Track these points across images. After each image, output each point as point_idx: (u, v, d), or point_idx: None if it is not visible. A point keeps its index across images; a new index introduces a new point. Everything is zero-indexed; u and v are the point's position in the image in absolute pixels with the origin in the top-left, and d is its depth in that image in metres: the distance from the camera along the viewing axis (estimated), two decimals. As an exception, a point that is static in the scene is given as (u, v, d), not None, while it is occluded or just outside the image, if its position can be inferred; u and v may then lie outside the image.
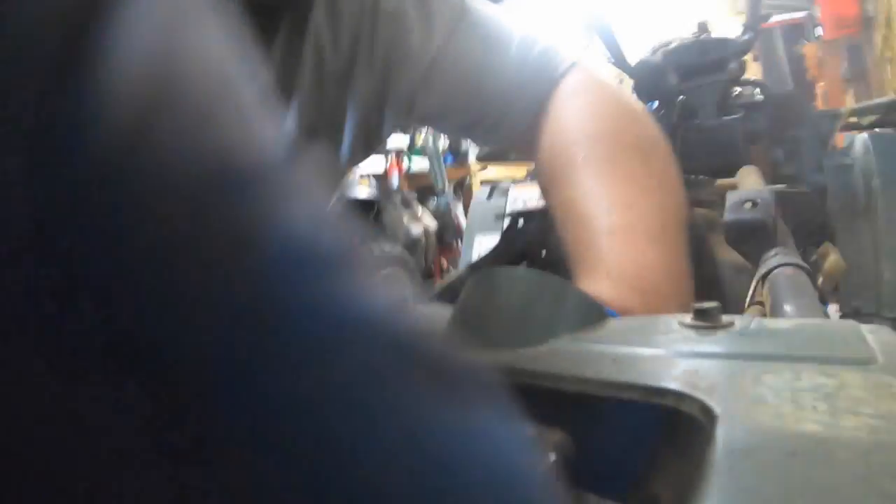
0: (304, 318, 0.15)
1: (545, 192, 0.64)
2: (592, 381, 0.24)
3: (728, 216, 0.54)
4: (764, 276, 0.48)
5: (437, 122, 0.73)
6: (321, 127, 0.60)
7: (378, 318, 0.17)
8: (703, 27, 1.28)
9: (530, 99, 0.65)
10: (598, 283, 0.47)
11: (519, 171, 4.87)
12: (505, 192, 1.64)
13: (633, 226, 0.51)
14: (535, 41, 0.66)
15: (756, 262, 0.52)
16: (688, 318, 0.29)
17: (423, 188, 3.75)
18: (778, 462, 0.17)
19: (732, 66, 1.21)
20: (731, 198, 0.56)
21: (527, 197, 1.59)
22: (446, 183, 3.73)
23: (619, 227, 0.51)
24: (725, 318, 0.28)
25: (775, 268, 0.48)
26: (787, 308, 0.40)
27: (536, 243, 0.69)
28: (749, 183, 0.77)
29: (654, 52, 1.29)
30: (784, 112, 1.26)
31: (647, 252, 0.49)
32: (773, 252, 0.51)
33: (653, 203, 0.53)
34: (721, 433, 0.18)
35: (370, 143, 0.65)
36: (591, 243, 0.51)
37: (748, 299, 0.49)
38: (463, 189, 4.04)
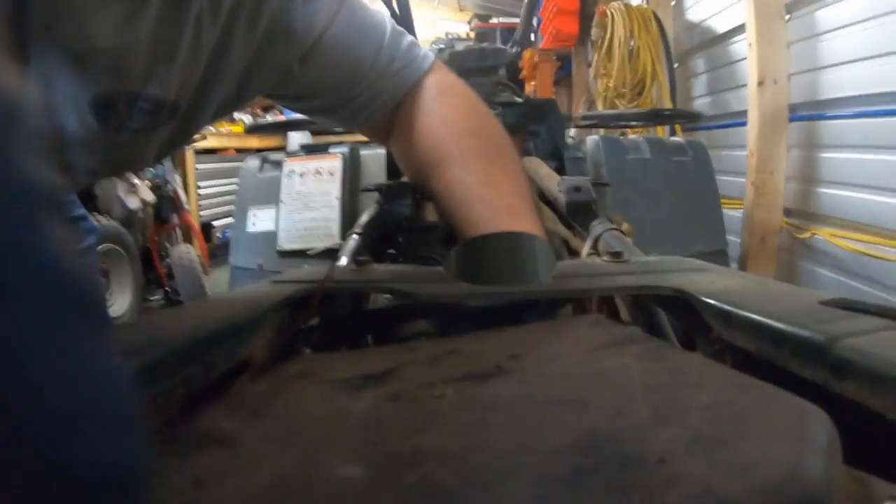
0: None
1: (422, 173, 0.75)
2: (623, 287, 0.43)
3: (566, 198, 0.76)
4: (597, 237, 0.71)
5: (303, 101, 0.73)
6: (191, 94, 0.59)
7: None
8: (482, 37, 1.52)
9: (398, 87, 0.71)
10: None
11: (231, 140, 4.75)
12: (277, 165, 1.72)
13: (519, 205, 0.68)
14: (404, 35, 0.72)
15: (585, 228, 0.75)
16: (606, 258, 0.50)
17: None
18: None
19: (502, 71, 1.48)
20: (564, 184, 0.78)
21: (302, 169, 1.69)
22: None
23: (511, 207, 0.66)
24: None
25: (604, 232, 0.71)
26: (627, 256, 0.63)
27: (411, 213, 0.85)
28: (544, 172, 1.01)
29: (441, 52, 1.50)
30: (534, 111, 1.55)
31: (533, 224, 0.68)
32: (597, 221, 0.74)
33: (523, 186, 0.72)
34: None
35: (226, 110, 0.66)
36: (494, 219, 0.64)
37: (585, 253, 0.72)
38: (176, 160, 3.82)
